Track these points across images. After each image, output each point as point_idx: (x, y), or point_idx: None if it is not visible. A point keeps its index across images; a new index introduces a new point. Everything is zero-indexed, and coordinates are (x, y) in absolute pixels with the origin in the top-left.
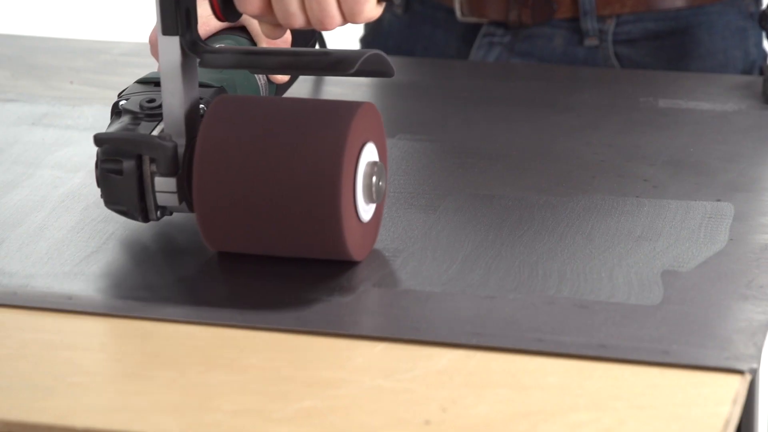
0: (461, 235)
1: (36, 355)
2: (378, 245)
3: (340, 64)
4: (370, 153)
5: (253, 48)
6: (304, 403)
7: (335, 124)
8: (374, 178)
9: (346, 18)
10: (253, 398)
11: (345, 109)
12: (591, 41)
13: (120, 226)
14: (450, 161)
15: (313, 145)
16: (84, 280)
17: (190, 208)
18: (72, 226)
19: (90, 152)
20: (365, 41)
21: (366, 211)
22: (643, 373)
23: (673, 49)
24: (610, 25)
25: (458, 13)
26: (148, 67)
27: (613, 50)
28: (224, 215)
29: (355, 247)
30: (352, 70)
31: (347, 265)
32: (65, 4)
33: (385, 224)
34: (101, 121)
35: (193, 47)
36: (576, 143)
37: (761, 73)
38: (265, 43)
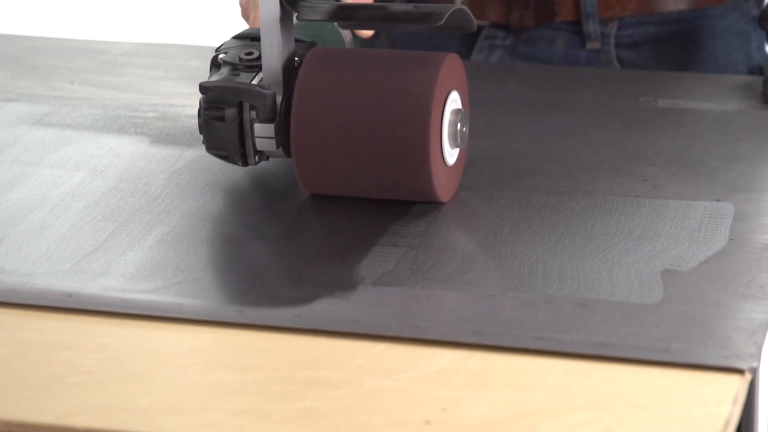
0: (461, 234)
1: (36, 355)
2: (377, 243)
3: (429, 17)
4: (455, 101)
5: (346, 3)
6: (304, 403)
7: (424, 72)
8: (459, 125)
9: None
10: (253, 398)
11: (432, 59)
12: (593, 44)
13: (120, 225)
14: None
15: (403, 92)
16: (84, 278)
17: (287, 153)
18: (72, 225)
19: (90, 152)
20: (365, 44)
21: (451, 154)
22: (643, 373)
23: (675, 52)
24: (612, 29)
25: None
26: (149, 67)
27: (615, 53)
28: (319, 158)
29: (441, 189)
30: (441, 23)
31: (347, 262)
32: (65, 4)
33: (386, 222)
34: (101, 121)
35: (292, 2)
36: (576, 143)
37: (761, 73)
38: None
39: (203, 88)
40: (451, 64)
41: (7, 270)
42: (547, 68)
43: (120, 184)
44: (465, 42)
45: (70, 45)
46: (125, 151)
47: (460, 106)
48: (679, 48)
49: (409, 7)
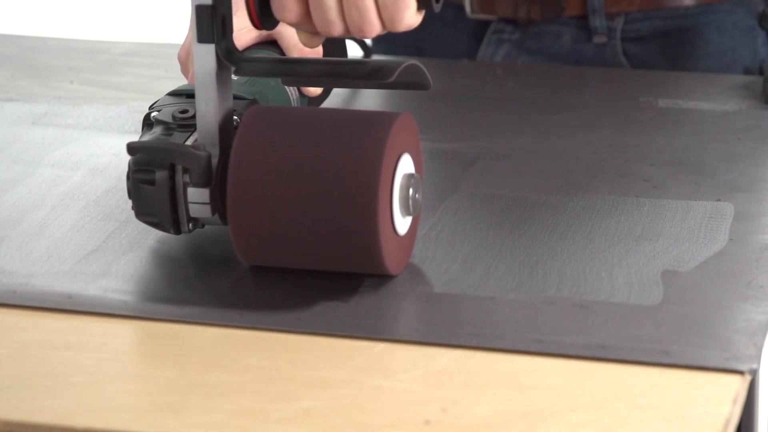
0: (461, 235)
1: (36, 355)
2: None
3: (378, 72)
4: (406, 165)
5: (289, 57)
6: (304, 403)
7: (372, 135)
8: (411, 191)
9: (386, 25)
10: (253, 398)
11: (382, 120)
12: (599, 39)
13: (120, 225)
14: (449, 161)
15: (349, 156)
16: (84, 279)
17: (223, 221)
18: (72, 225)
19: (89, 150)
20: (374, 39)
21: (402, 224)
22: (643, 373)
23: (682, 47)
24: (619, 23)
25: (468, 9)
26: (148, 67)
27: (621, 48)
28: (258, 227)
29: (391, 261)
30: (391, 79)
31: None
32: (65, 4)
33: None
34: (101, 120)
35: (229, 56)
36: (576, 143)
37: (761, 73)
38: (297, 55)
39: (131, 148)
40: (403, 124)
41: (7, 271)
42: (548, 67)
43: (120, 184)
44: (473, 36)
45: (70, 45)
46: (125, 151)
47: (412, 171)
48: (685, 43)
49: (358, 61)
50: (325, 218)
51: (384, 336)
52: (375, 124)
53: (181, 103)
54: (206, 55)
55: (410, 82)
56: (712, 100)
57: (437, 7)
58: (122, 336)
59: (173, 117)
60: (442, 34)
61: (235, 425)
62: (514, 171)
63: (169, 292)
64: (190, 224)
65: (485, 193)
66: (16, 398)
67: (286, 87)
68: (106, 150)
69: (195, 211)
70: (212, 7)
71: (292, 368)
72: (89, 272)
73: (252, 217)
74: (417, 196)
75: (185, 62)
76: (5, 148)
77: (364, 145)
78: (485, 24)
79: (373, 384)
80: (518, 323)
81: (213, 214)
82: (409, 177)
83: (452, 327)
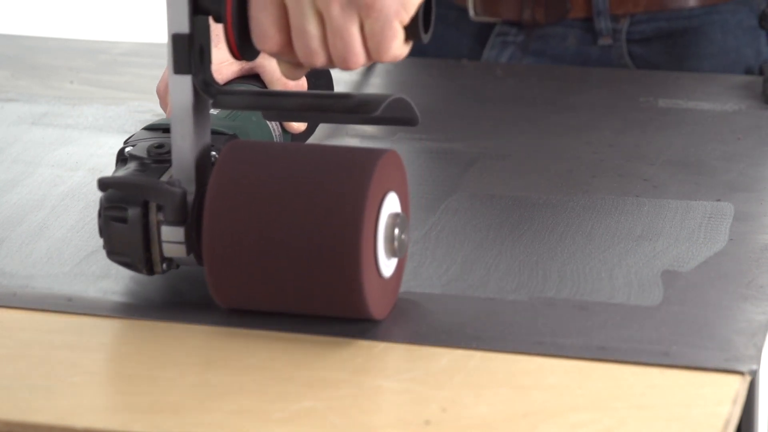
0: (461, 235)
1: (36, 355)
2: None
3: (363, 106)
4: (392, 204)
5: (270, 90)
6: (304, 403)
7: (355, 173)
8: (396, 231)
9: (371, 56)
10: (253, 398)
11: (366, 158)
12: (604, 41)
13: None
14: (449, 161)
15: (331, 196)
16: (84, 281)
17: (199, 261)
18: (72, 225)
19: (89, 150)
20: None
21: (387, 266)
22: (643, 374)
23: (686, 47)
24: (624, 25)
25: (471, 12)
26: (148, 67)
27: (626, 49)
28: (235, 269)
29: (375, 305)
30: (376, 113)
31: None
32: (65, 4)
33: None
34: (101, 120)
35: (206, 88)
36: (576, 143)
37: (761, 73)
38: (280, 89)
39: (102, 183)
40: (388, 162)
41: (7, 272)
42: (547, 68)
43: None
44: (477, 39)
45: (70, 45)
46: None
47: (398, 210)
48: (689, 44)
49: (342, 94)
50: (305, 260)
51: (384, 337)
52: (359, 161)
53: (156, 138)
54: (183, 86)
55: (397, 117)
56: (712, 100)
57: (426, 38)
58: (122, 336)
59: (148, 152)
60: (446, 36)
61: (235, 425)
62: (514, 171)
63: (169, 293)
64: (164, 264)
65: (485, 193)
66: (16, 398)
67: (268, 122)
68: (106, 150)
69: (169, 250)
70: (189, 36)
71: (292, 368)
72: (89, 274)
73: (228, 257)
74: (403, 236)
75: (164, 96)
76: (5, 148)
77: (347, 183)
78: (489, 26)
79: (373, 384)
80: (518, 325)
81: (188, 253)
82: (394, 217)
83: (452, 329)
